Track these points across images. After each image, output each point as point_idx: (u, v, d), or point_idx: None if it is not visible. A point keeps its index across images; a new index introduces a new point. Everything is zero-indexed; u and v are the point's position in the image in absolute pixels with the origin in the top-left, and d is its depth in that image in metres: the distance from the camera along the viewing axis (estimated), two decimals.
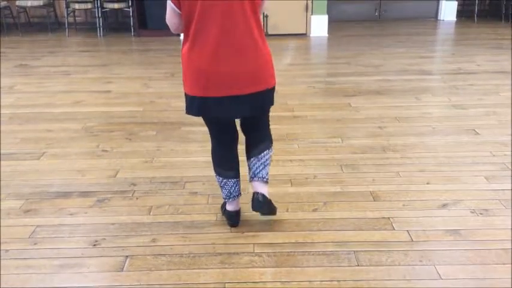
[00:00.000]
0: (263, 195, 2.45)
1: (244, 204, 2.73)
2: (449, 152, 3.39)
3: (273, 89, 2.31)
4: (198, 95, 2.20)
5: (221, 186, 2.51)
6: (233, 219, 2.55)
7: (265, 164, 2.50)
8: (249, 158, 2.51)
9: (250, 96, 2.21)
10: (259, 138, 2.49)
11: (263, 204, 2.45)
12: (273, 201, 2.60)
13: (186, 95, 2.29)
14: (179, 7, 2.12)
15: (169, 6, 2.15)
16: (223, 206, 2.64)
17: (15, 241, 2.46)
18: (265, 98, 2.30)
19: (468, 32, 7.83)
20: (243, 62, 2.15)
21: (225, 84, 2.16)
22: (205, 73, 2.15)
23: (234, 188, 2.48)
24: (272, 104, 2.38)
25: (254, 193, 2.48)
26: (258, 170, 2.48)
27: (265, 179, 2.49)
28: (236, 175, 2.48)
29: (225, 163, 2.47)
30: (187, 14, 2.11)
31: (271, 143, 2.54)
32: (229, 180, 2.46)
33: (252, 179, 2.51)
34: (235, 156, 2.49)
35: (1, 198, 2.87)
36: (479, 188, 2.91)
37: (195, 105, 2.25)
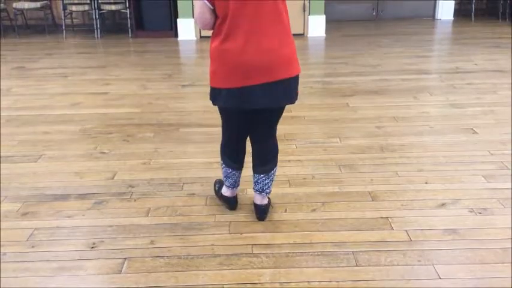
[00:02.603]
0: (266, 205, 2.65)
1: (246, 205, 2.74)
2: (447, 152, 3.38)
3: (296, 78, 2.37)
4: (233, 86, 2.26)
5: (228, 177, 2.64)
6: (232, 203, 2.71)
7: (273, 179, 2.63)
8: (257, 172, 2.58)
9: (282, 83, 2.28)
10: (269, 154, 2.56)
11: (266, 213, 2.66)
12: (271, 202, 2.75)
13: (215, 89, 2.33)
14: (213, 4, 2.18)
15: (201, 2, 2.19)
16: (219, 191, 2.78)
17: (12, 244, 2.45)
18: (294, 85, 2.36)
19: (465, 31, 7.84)
20: (272, 52, 2.22)
21: (255, 74, 2.22)
22: (238, 66, 2.22)
23: (238, 178, 2.66)
24: (296, 98, 2.42)
25: (257, 205, 2.64)
26: (266, 186, 2.61)
27: (269, 193, 2.65)
28: (242, 167, 2.64)
29: (236, 156, 2.59)
30: (222, 11, 2.17)
31: (278, 157, 2.61)
32: (237, 171, 2.62)
33: (258, 192, 2.62)
34: (245, 149, 2.62)
35: None
36: (478, 187, 2.90)
37: (227, 97, 2.29)
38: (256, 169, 2.58)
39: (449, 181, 2.98)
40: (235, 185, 2.66)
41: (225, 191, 2.71)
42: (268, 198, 2.72)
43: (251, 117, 2.45)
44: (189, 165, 3.27)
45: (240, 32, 2.18)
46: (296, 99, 2.41)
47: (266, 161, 2.55)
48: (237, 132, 2.54)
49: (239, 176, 2.66)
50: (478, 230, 2.49)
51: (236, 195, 2.73)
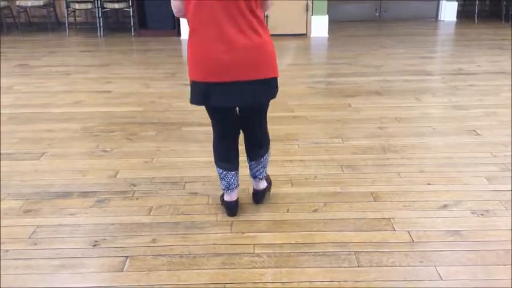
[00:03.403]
0: (263, 190, 2.74)
1: (248, 205, 2.74)
2: (449, 153, 3.38)
3: (272, 80, 2.32)
4: (200, 80, 2.26)
5: (221, 178, 2.60)
6: (232, 209, 2.64)
7: (265, 165, 2.68)
8: (249, 159, 2.64)
9: (249, 84, 2.25)
10: (259, 142, 2.60)
11: (263, 197, 2.76)
12: (272, 202, 2.78)
13: (190, 81, 2.34)
14: None
15: None
16: (222, 196, 2.71)
17: (15, 241, 2.45)
18: (264, 88, 2.32)
19: (468, 32, 7.83)
20: (238, 50, 2.18)
21: (224, 70, 2.20)
22: (204, 59, 2.22)
23: (233, 180, 2.58)
24: (273, 97, 2.40)
25: (255, 190, 2.73)
26: (258, 172, 2.66)
27: (264, 177, 2.72)
28: (235, 167, 2.58)
29: (225, 156, 2.56)
30: (188, 3, 2.18)
31: (269, 144, 2.66)
32: (229, 172, 2.56)
33: (252, 177, 2.70)
34: (236, 149, 2.58)
35: (1, 198, 2.87)
36: (480, 188, 2.90)
37: (198, 92, 2.31)
38: (248, 156, 2.64)
39: (451, 182, 2.97)
40: (229, 187, 2.58)
41: (225, 196, 2.64)
42: (268, 180, 2.80)
43: (229, 114, 2.46)
44: (191, 164, 3.27)
45: (208, 24, 2.16)
46: (271, 98, 2.40)
47: (256, 148, 2.60)
48: (223, 130, 2.51)
49: (233, 178, 2.57)
50: (480, 231, 2.48)
51: (236, 199, 2.65)
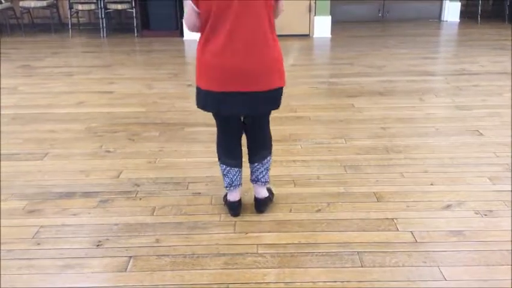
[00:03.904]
0: (265, 198, 2.68)
1: (251, 205, 2.74)
2: (453, 153, 3.38)
3: (279, 90, 2.35)
4: (209, 89, 2.29)
5: (224, 175, 2.61)
6: (235, 209, 2.65)
7: (268, 168, 2.64)
8: (252, 162, 2.62)
9: (256, 94, 2.27)
10: (262, 144, 2.60)
11: (266, 206, 2.69)
12: (275, 202, 2.77)
13: (197, 88, 2.37)
14: (198, 6, 2.19)
15: (190, 5, 2.22)
16: (225, 197, 2.72)
17: (18, 241, 2.46)
18: (270, 98, 2.35)
19: (471, 32, 7.82)
20: (251, 60, 2.22)
21: (233, 80, 2.23)
22: (215, 68, 2.24)
23: (236, 177, 2.59)
24: (278, 106, 2.42)
25: (256, 198, 2.68)
26: (261, 175, 2.63)
27: (266, 182, 2.67)
28: (239, 164, 2.59)
29: (229, 153, 2.57)
30: (204, 12, 2.19)
31: (272, 147, 2.65)
32: (232, 168, 2.57)
33: (255, 182, 2.66)
34: (239, 146, 2.59)
35: (5, 198, 2.88)
36: (483, 189, 2.90)
37: (205, 99, 2.34)
38: (250, 159, 2.61)
39: (454, 183, 2.97)
40: (232, 184, 2.60)
41: (228, 196, 2.66)
42: (271, 192, 2.76)
43: (236, 118, 2.48)
44: (194, 164, 3.27)
45: (221, 34, 2.18)
46: (276, 107, 2.42)
47: (259, 149, 2.58)
48: (226, 131, 2.55)
49: (236, 175, 2.59)
50: (483, 231, 2.48)
51: (240, 199, 2.67)
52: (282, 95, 2.40)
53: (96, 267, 2.26)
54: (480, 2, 8.49)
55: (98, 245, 2.42)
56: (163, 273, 2.21)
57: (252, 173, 2.64)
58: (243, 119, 2.52)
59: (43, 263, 2.29)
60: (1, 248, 2.40)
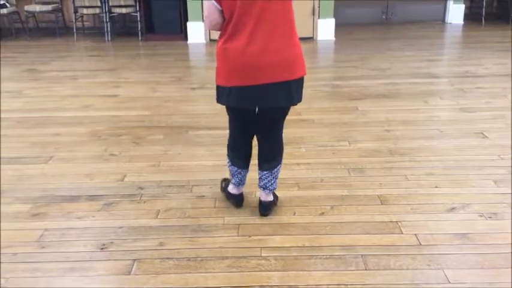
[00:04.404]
0: (270, 202, 2.70)
1: (255, 208, 2.74)
2: (457, 156, 3.37)
3: (299, 81, 2.38)
4: (232, 85, 2.33)
5: (233, 175, 2.69)
6: (238, 201, 2.76)
7: (276, 176, 2.67)
8: (262, 169, 2.64)
9: (284, 84, 2.32)
10: (274, 150, 2.62)
11: (270, 209, 2.71)
12: (279, 205, 2.78)
13: (219, 87, 2.41)
14: (220, 4, 2.24)
15: (210, 3, 2.25)
16: (225, 188, 2.83)
17: (23, 244, 2.47)
18: (297, 86, 2.38)
19: (475, 35, 7.80)
20: (272, 56, 2.26)
21: (254, 75, 2.28)
22: (238, 65, 2.28)
23: (244, 177, 2.70)
24: (296, 100, 2.42)
25: (261, 201, 2.69)
26: (270, 183, 2.65)
27: (274, 189, 2.70)
28: (247, 166, 2.68)
29: (241, 154, 2.64)
30: (228, 12, 2.23)
31: (283, 154, 2.67)
32: (243, 170, 2.67)
33: (262, 188, 2.67)
34: (251, 149, 2.66)
35: (10, 202, 2.89)
36: (488, 191, 2.89)
37: (229, 95, 2.36)
38: (260, 166, 2.64)
39: (459, 185, 2.96)
40: (240, 183, 2.72)
41: (231, 189, 2.76)
42: (275, 195, 2.77)
43: (255, 116, 2.49)
44: (198, 167, 3.28)
45: (244, 32, 2.23)
46: (299, 100, 2.43)
47: (270, 158, 2.61)
48: (242, 131, 2.60)
49: (245, 175, 2.70)
50: (488, 234, 2.47)
51: (242, 193, 2.77)
52: (301, 87, 2.42)
53: (101, 270, 2.27)
54: (484, 4, 8.47)
55: (102, 248, 2.43)
56: (168, 276, 2.22)
57: (260, 179, 2.66)
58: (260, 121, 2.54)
59: (47, 266, 2.30)
60: (6, 252, 2.41)
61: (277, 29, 2.25)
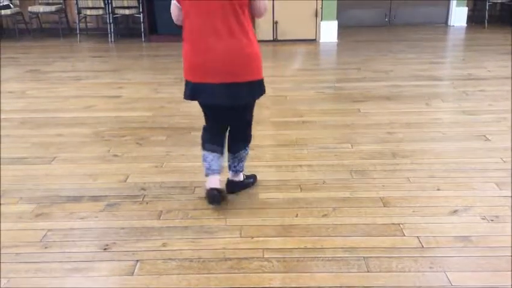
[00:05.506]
0: (236, 182, 2.91)
1: (256, 210, 2.74)
2: (459, 158, 3.37)
3: (250, 84, 2.51)
4: (190, 80, 2.54)
5: (203, 160, 2.78)
6: (212, 197, 2.72)
7: (241, 160, 2.84)
8: (229, 151, 2.84)
9: (226, 86, 2.46)
10: (236, 139, 2.80)
11: (236, 187, 2.92)
12: (281, 207, 2.79)
13: (184, 79, 2.61)
14: (180, 4, 2.47)
15: (172, 1, 2.51)
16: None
17: (26, 245, 2.48)
18: (243, 89, 2.51)
19: (479, 37, 7.80)
20: (218, 53, 2.42)
21: (204, 73, 2.46)
22: (191, 63, 2.49)
23: (214, 162, 2.74)
24: (255, 98, 2.63)
25: (228, 179, 2.91)
26: (233, 164, 2.86)
27: (238, 171, 2.88)
28: (217, 150, 2.74)
29: (210, 139, 2.76)
30: (185, 12, 2.45)
31: (248, 142, 2.84)
32: (211, 153, 2.74)
33: (229, 169, 2.89)
34: (223, 137, 2.78)
35: (13, 202, 2.90)
36: (490, 194, 2.89)
37: (186, 88, 2.59)
38: (228, 148, 2.83)
39: (461, 188, 2.96)
40: (209, 169, 2.74)
41: (207, 182, 2.77)
42: (251, 177, 2.99)
43: (218, 110, 2.64)
44: (201, 168, 3.26)
45: (194, 31, 2.43)
46: (249, 100, 2.61)
47: (233, 142, 2.79)
48: (210, 121, 2.75)
49: (214, 160, 2.73)
50: (490, 237, 2.47)
51: (220, 189, 2.75)
52: (261, 88, 2.58)
53: (103, 271, 2.28)
54: (487, 6, 8.47)
55: (105, 249, 2.44)
56: (170, 277, 2.22)
57: (227, 159, 2.85)
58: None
59: (50, 267, 2.31)
60: (9, 252, 2.42)
61: (223, 30, 2.38)
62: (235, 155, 2.81)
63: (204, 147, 2.77)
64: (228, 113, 2.66)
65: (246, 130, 2.81)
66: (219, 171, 2.75)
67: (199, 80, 2.49)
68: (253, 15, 2.52)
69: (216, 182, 2.74)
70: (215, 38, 2.39)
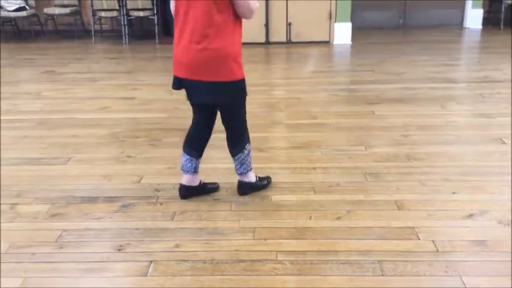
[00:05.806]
0: (245, 183, 2.93)
1: (270, 212, 2.74)
2: (475, 161, 3.34)
3: (225, 84, 2.56)
4: (175, 75, 2.65)
5: (181, 156, 2.87)
6: (181, 191, 2.91)
7: (242, 162, 2.86)
8: (230, 155, 2.88)
9: (199, 83, 2.55)
10: (232, 141, 2.84)
11: (246, 188, 2.94)
12: (295, 209, 2.77)
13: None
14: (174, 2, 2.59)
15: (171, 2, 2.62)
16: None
17: (41, 244, 2.50)
18: (218, 89, 2.56)
19: (494, 39, 7.72)
20: (193, 55, 2.51)
21: (184, 70, 2.57)
22: (175, 59, 2.61)
23: (186, 163, 2.84)
24: (231, 100, 2.67)
25: (239, 181, 2.94)
26: (236, 167, 2.89)
27: (243, 173, 2.90)
28: (192, 154, 2.83)
29: (189, 141, 2.85)
30: (175, 8, 2.56)
31: (244, 144, 2.82)
32: (185, 155, 2.84)
33: (235, 171, 2.92)
34: (203, 141, 2.87)
35: (28, 202, 2.93)
36: (506, 198, 2.85)
37: (175, 82, 2.70)
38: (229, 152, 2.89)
39: (476, 192, 2.94)
40: (182, 168, 2.85)
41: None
42: (262, 179, 3.00)
43: (200, 106, 2.75)
44: (214, 170, 3.28)
45: (178, 28, 2.54)
46: (226, 102, 2.66)
47: (230, 146, 2.85)
48: (196, 117, 2.85)
49: (187, 161, 2.82)
50: (506, 241, 2.44)
51: (191, 186, 2.88)
52: (239, 90, 2.62)
53: (118, 271, 2.29)
54: (503, 8, 8.38)
55: (119, 249, 2.45)
56: (183, 278, 2.23)
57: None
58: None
59: (66, 267, 2.33)
60: (25, 252, 2.45)
61: (200, 30, 2.46)
62: (235, 157, 2.85)
63: (182, 148, 2.86)
64: (206, 110, 2.77)
65: (238, 133, 2.82)
66: (191, 172, 2.85)
67: (178, 74, 2.62)
68: (240, 16, 2.53)
69: (188, 179, 2.88)
70: (190, 36, 2.48)
